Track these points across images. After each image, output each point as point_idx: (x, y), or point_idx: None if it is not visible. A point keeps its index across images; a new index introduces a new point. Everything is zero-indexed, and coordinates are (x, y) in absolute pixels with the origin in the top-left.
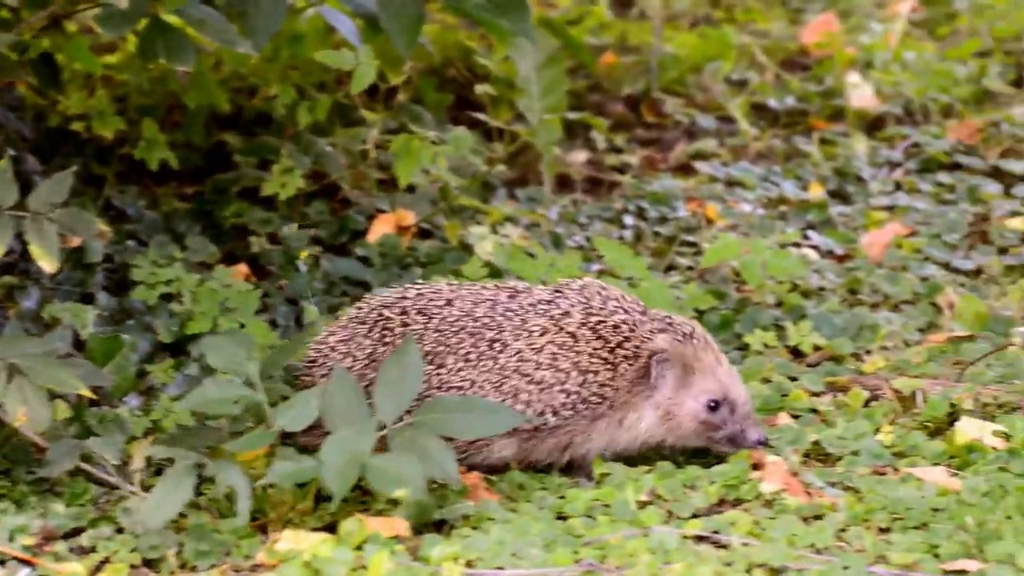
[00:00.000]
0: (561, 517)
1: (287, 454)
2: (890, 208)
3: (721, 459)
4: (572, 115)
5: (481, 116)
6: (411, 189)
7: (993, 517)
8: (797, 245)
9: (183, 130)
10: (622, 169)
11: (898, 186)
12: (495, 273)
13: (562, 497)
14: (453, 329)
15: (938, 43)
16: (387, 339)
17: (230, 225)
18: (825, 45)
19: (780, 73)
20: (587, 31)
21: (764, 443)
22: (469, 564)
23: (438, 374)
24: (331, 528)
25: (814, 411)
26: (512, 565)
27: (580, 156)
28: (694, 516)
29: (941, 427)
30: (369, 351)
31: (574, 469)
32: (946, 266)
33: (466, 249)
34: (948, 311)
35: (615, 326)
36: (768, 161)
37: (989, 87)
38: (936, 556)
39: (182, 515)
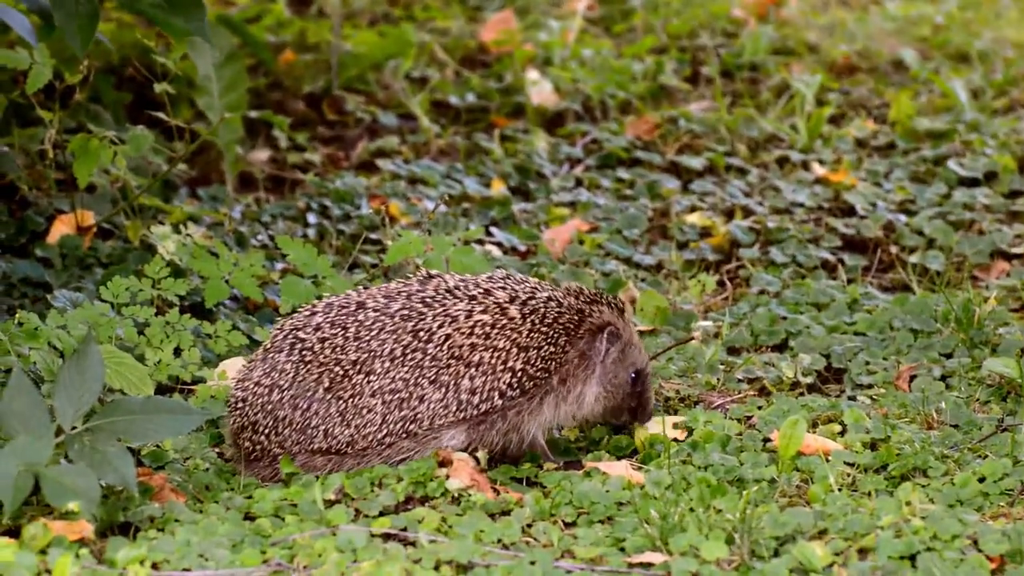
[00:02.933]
0: (249, 517)
1: None
2: (571, 204)
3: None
4: (253, 113)
5: (161, 115)
6: (91, 189)
7: (676, 509)
8: (480, 242)
9: None
10: (305, 167)
11: (579, 182)
12: (178, 273)
13: (249, 497)
14: (373, 331)
15: (615, 40)
16: (308, 358)
17: None
18: (504, 42)
19: (460, 70)
20: (266, 29)
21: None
22: (156, 566)
23: (369, 382)
24: (14, 532)
25: None
26: (199, 566)
27: (262, 154)
28: (382, 514)
29: None
30: (292, 374)
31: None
32: (627, 261)
33: (148, 249)
34: (630, 306)
35: (546, 300)
36: (450, 158)
37: (665, 83)
38: (621, 549)
39: None
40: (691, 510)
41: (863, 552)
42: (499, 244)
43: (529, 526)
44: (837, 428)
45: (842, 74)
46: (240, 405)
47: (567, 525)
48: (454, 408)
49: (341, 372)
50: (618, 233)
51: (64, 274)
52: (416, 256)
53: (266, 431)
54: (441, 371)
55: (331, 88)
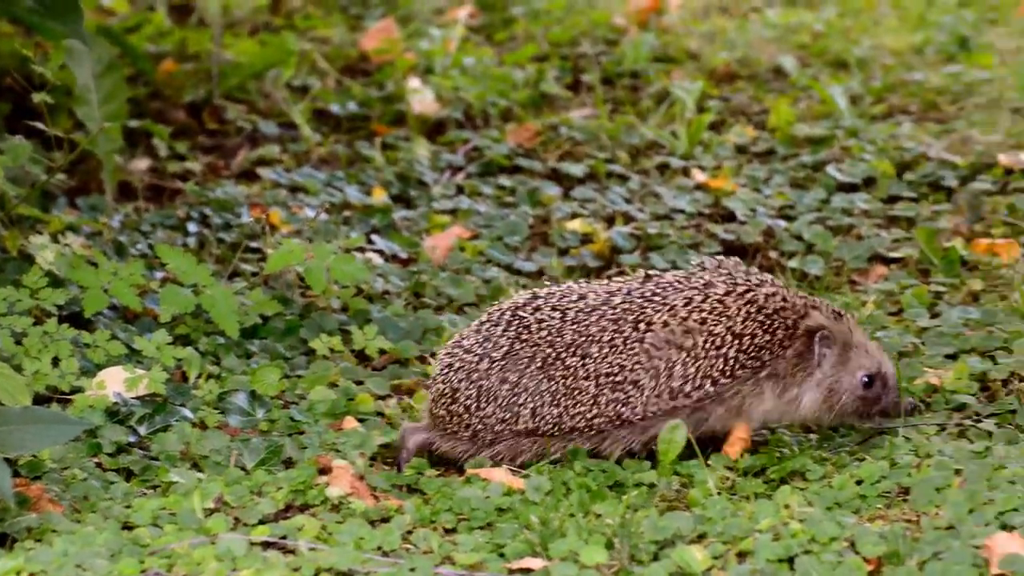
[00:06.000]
0: (127, 527)
1: None
2: (452, 211)
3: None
4: (133, 123)
5: (39, 125)
6: None
7: (556, 515)
8: (361, 250)
9: None
10: (185, 176)
11: (460, 189)
12: (57, 282)
13: (128, 507)
14: (592, 318)
15: (496, 48)
16: (523, 336)
17: None
18: (385, 51)
19: (341, 79)
20: (146, 38)
21: (916, 409)
22: None
23: (584, 365)
24: None
25: (380, 414)
26: None
27: (142, 164)
28: (261, 522)
29: None
30: (505, 349)
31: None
32: (508, 268)
33: (27, 259)
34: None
35: (768, 295)
36: (331, 166)
37: (546, 91)
38: (502, 555)
39: None
40: (571, 515)
41: (742, 555)
42: (380, 252)
43: (409, 533)
44: None
45: (722, 81)
46: (445, 370)
47: (447, 531)
48: (667, 396)
49: (554, 353)
50: (499, 240)
51: None
52: (297, 264)
53: (468, 402)
54: (655, 358)
55: (212, 97)
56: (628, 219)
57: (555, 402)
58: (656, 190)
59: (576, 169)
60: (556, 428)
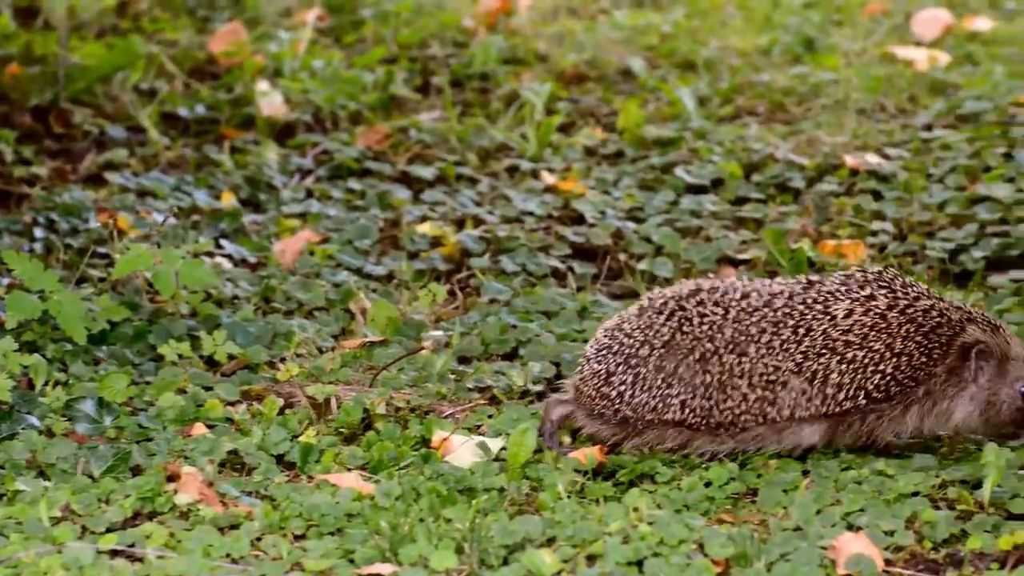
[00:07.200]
0: None
1: None
2: (302, 215)
3: (136, 474)
4: None
5: None
6: None
7: (406, 520)
8: (210, 254)
9: None
10: (31, 181)
11: (309, 193)
12: None
13: None
14: (753, 319)
15: (345, 51)
16: (685, 328)
17: None
18: (233, 54)
19: (189, 82)
20: None
21: None
22: None
23: (740, 363)
24: None
25: (230, 420)
26: None
27: None
28: (109, 530)
29: (356, 432)
30: (667, 338)
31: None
32: (358, 272)
33: None
34: (361, 316)
35: (925, 311)
36: (180, 170)
37: (396, 94)
38: (351, 561)
39: None
40: (421, 520)
41: (591, 559)
42: (229, 256)
43: (259, 539)
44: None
45: (571, 83)
46: (602, 352)
47: (297, 538)
48: (817, 402)
49: (713, 348)
50: (349, 244)
51: None
52: (145, 269)
53: (622, 387)
54: (810, 360)
55: (58, 101)
56: (478, 222)
57: (707, 395)
58: (506, 192)
59: (426, 172)
60: (704, 422)
